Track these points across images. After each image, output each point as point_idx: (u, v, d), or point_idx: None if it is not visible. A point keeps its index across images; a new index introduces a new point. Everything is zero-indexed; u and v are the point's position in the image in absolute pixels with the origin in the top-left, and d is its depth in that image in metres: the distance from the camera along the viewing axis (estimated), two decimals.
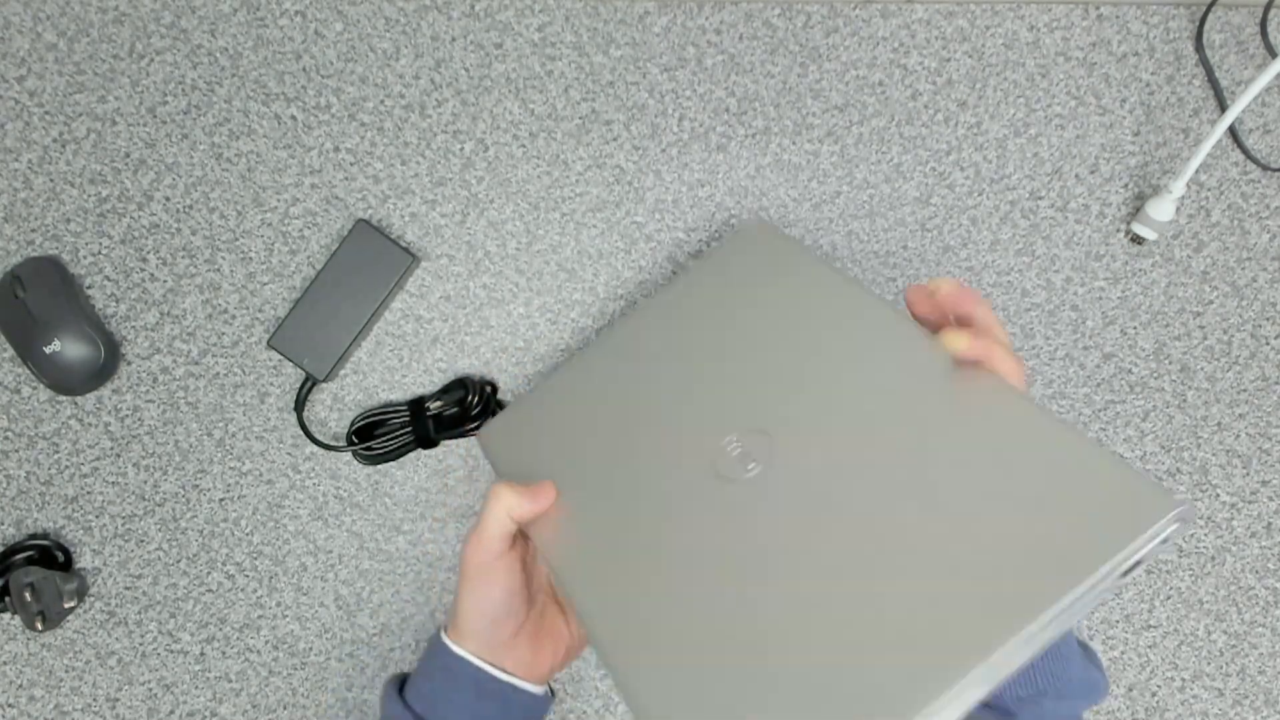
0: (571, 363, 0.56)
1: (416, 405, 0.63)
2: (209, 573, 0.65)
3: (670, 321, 0.55)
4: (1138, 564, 0.36)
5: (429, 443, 0.63)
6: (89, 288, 0.66)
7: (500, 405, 0.64)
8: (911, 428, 0.43)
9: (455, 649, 0.48)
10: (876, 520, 0.42)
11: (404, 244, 0.65)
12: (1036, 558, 0.38)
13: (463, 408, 0.63)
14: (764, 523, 0.43)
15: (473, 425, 0.63)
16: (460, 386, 0.64)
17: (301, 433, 0.64)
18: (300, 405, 0.64)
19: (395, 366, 0.65)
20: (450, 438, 0.64)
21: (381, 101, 0.65)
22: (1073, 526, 0.38)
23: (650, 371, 0.53)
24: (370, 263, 0.63)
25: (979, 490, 0.41)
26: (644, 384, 0.53)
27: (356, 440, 0.63)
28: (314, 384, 0.64)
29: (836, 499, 0.43)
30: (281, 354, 0.64)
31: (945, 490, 0.41)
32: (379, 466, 0.65)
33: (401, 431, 0.63)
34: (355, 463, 0.65)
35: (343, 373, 0.65)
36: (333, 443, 0.65)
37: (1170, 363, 0.62)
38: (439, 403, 0.63)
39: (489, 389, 0.64)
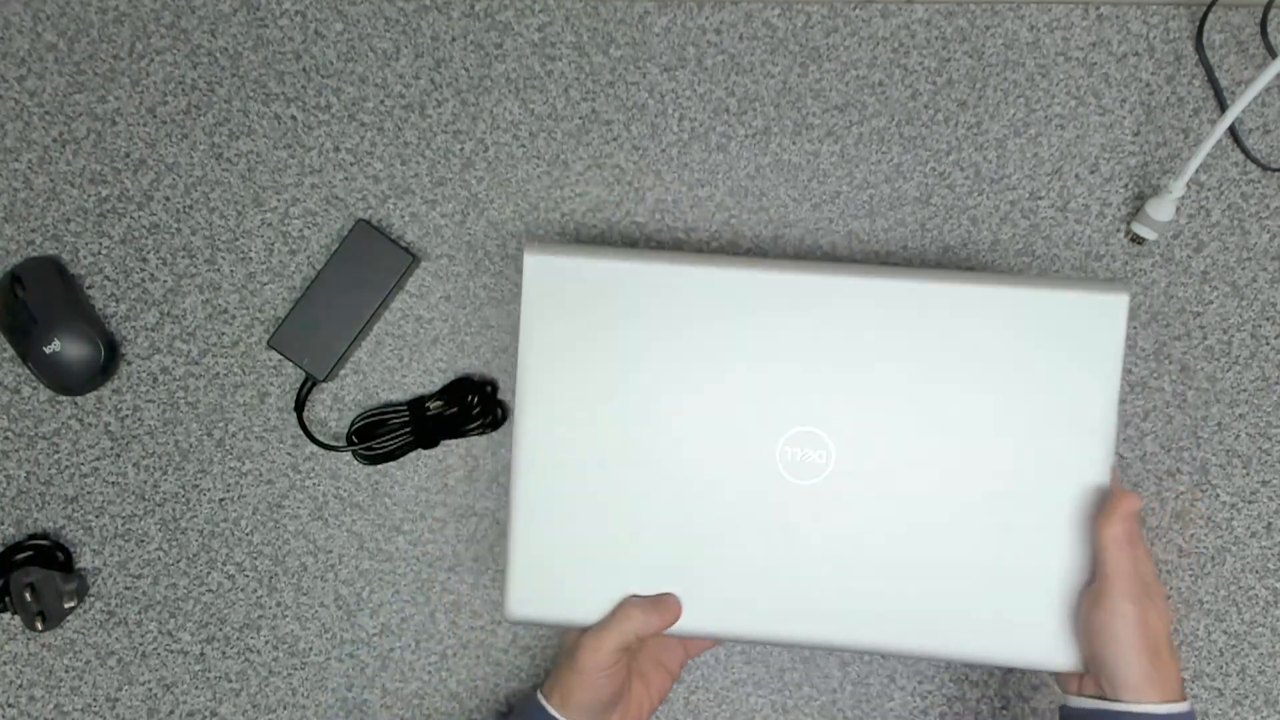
0: (515, 500, 0.54)
1: (416, 405, 0.63)
2: (209, 573, 0.65)
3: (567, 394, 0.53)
4: None
5: (429, 443, 0.63)
6: (89, 288, 0.66)
7: (501, 405, 0.64)
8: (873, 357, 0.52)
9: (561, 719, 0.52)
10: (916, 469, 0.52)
11: (404, 244, 0.65)
12: (1066, 420, 0.50)
13: (463, 408, 0.63)
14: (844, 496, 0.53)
15: (473, 425, 0.63)
16: (460, 386, 0.64)
17: (301, 433, 0.64)
18: (300, 405, 0.64)
19: (395, 366, 0.65)
20: (450, 438, 0.64)
21: (381, 101, 0.65)
22: (1070, 373, 0.50)
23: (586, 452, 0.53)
24: (370, 263, 0.63)
25: (978, 395, 0.51)
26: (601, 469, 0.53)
27: (356, 440, 0.63)
28: (314, 384, 0.64)
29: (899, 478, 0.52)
30: (281, 354, 0.64)
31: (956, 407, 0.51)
32: (379, 466, 0.65)
33: (401, 431, 0.63)
34: (355, 463, 0.65)
35: (343, 373, 0.65)
36: (333, 443, 0.65)
37: (1170, 363, 0.63)
38: (439, 403, 0.63)
39: (489, 389, 0.64)
